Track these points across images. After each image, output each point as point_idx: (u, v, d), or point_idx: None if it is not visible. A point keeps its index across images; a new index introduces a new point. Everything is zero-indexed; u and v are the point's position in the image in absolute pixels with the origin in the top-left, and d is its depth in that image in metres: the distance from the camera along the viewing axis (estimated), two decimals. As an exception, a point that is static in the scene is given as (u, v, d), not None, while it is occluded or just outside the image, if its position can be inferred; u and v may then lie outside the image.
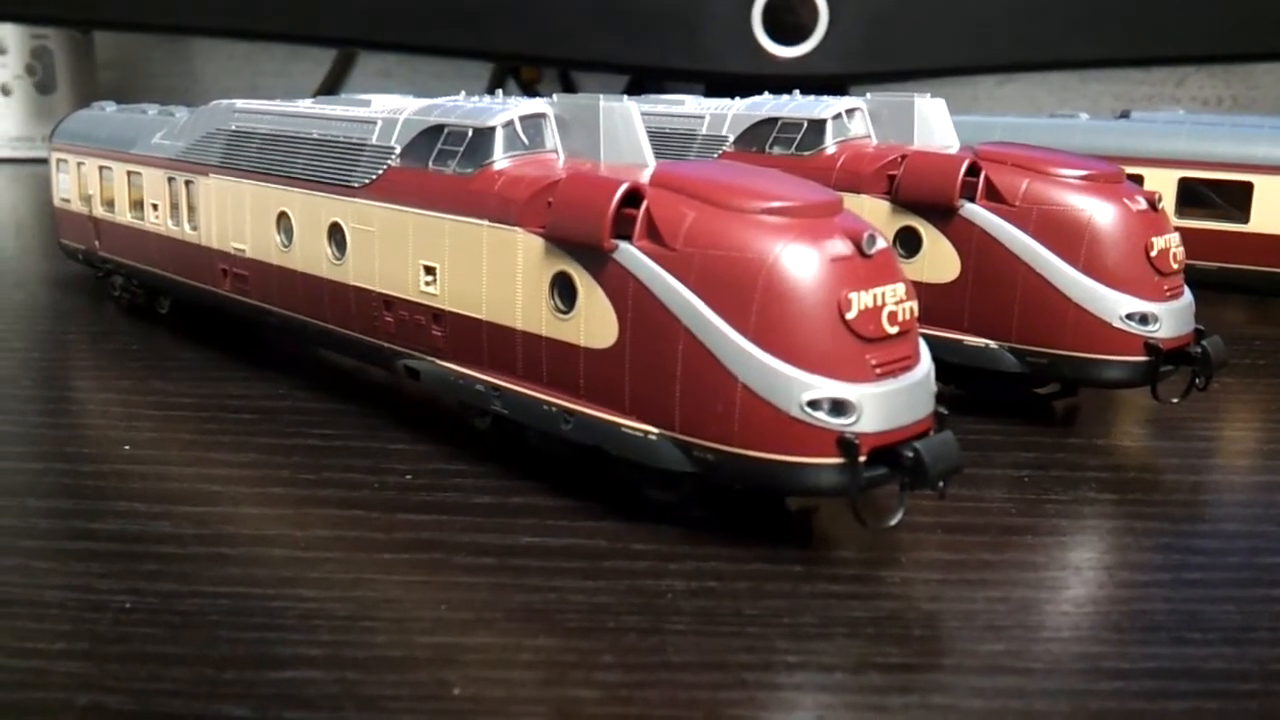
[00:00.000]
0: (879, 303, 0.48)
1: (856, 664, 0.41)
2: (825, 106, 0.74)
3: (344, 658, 0.41)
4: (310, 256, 0.68)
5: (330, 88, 2.06)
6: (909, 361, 0.49)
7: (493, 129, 0.57)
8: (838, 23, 1.44)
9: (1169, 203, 1.02)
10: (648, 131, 0.55)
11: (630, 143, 0.55)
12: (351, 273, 0.65)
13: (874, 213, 0.69)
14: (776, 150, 0.74)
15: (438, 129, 0.60)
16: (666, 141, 0.78)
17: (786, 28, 1.45)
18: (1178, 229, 0.68)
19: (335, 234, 0.66)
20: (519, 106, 0.58)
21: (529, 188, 0.54)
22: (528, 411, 0.55)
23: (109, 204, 0.90)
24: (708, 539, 0.51)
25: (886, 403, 0.47)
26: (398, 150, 0.62)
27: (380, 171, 0.62)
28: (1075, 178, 0.65)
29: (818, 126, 0.73)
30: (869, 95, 0.74)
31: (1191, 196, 1.05)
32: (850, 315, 0.47)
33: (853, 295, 0.47)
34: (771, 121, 0.75)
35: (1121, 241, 0.64)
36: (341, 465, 0.60)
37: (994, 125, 1.11)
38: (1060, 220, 0.64)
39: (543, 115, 0.58)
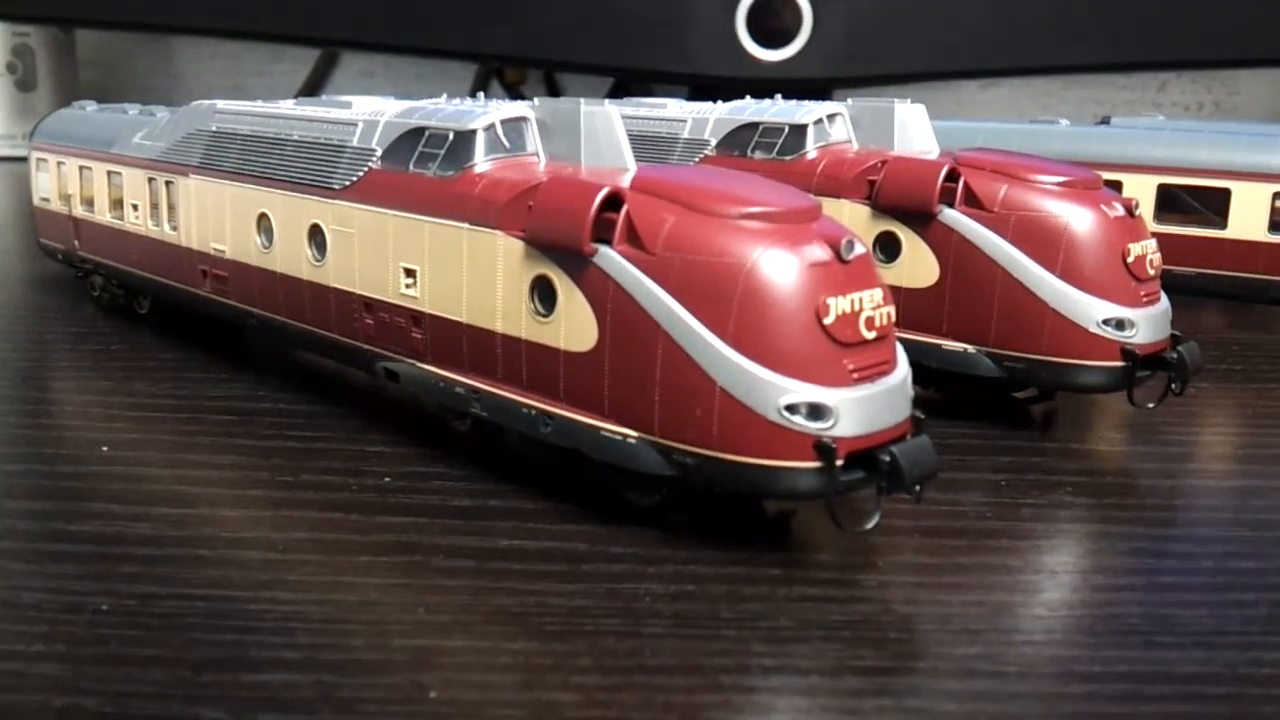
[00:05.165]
0: (856, 308, 0.48)
1: (833, 667, 0.42)
2: (806, 112, 0.74)
3: (321, 660, 0.41)
4: (290, 258, 0.68)
5: (312, 88, 2.05)
6: (886, 366, 0.50)
7: (474, 132, 0.57)
8: (821, 27, 1.44)
9: (1148, 209, 1.03)
10: (629, 135, 0.55)
11: (611, 147, 0.55)
12: (331, 275, 0.65)
13: (854, 218, 0.69)
14: (758, 155, 0.75)
15: (419, 131, 0.60)
16: (648, 145, 0.78)
17: (770, 31, 1.45)
18: (1156, 235, 0.69)
19: (315, 236, 0.66)
20: (500, 110, 0.58)
21: (510, 191, 0.54)
22: (507, 414, 0.55)
23: (89, 204, 0.90)
24: (686, 542, 0.51)
25: (863, 407, 0.48)
26: (379, 152, 0.62)
27: (361, 173, 0.62)
28: (1053, 184, 0.66)
29: (799, 131, 0.73)
30: (850, 101, 0.75)
31: (1170, 202, 1.05)
32: (828, 320, 0.47)
33: (830, 300, 0.48)
34: (753, 126, 0.76)
35: (1098, 247, 0.64)
36: (320, 467, 0.60)
37: (974, 131, 1.11)
38: (1038, 226, 0.65)
39: (524, 119, 0.58)
